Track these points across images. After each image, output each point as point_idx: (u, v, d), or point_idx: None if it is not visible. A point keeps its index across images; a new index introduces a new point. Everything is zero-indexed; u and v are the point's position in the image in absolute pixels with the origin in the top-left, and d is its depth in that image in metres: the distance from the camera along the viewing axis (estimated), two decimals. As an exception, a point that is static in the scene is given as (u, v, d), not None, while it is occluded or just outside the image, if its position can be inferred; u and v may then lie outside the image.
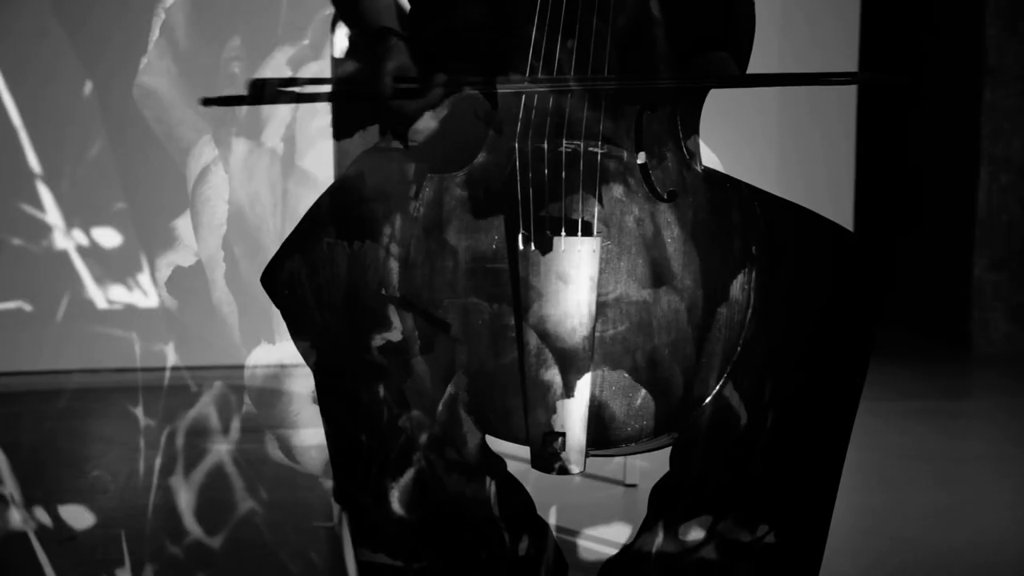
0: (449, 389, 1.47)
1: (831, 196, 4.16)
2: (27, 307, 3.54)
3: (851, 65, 4.19)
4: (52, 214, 3.53)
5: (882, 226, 4.78)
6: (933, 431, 3.17)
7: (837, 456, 1.54)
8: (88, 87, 3.53)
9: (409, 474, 1.49)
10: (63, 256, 3.53)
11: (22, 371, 3.57)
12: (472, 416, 1.49)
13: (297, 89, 1.47)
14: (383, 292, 1.46)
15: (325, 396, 1.51)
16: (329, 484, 2.21)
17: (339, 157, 2.26)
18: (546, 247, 1.43)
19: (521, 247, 1.44)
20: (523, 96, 1.49)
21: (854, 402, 1.53)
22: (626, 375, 1.46)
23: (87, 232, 3.55)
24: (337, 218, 1.51)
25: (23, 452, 2.71)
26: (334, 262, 1.47)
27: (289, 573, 2.05)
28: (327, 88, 1.52)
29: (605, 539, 2.22)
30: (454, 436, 1.50)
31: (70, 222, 3.54)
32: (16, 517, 2.20)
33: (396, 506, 1.49)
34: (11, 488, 2.33)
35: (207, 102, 1.44)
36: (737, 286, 1.46)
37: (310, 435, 2.85)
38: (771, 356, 1.47)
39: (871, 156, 4.62)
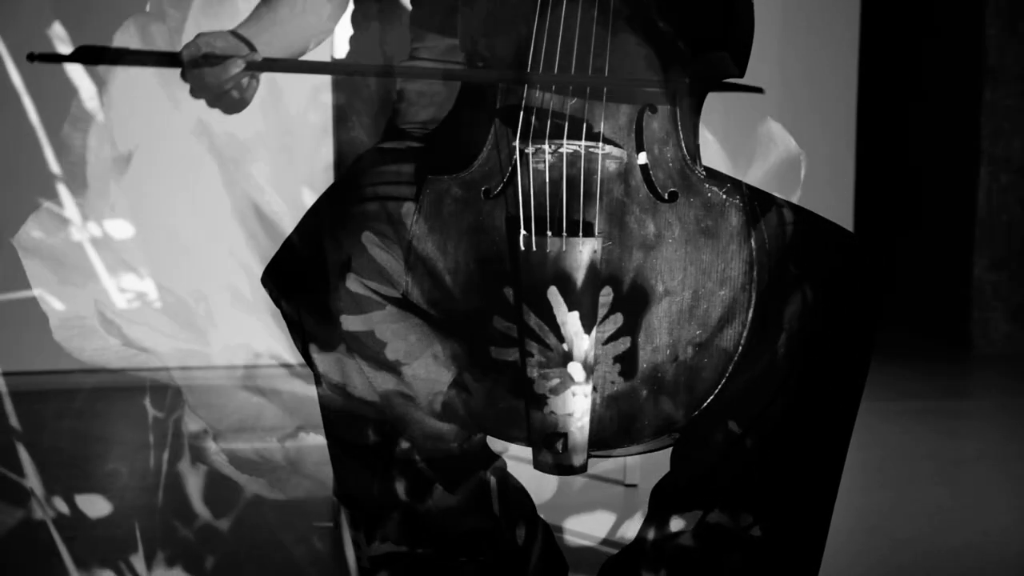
0: (450, 390, 1.48)
1: (831, 196, 4.16)
2: (57, 304, 3.56)
3: (851, 65, 4.19)
4: (70, 209, 3.56)
5: (882, 226, 4.78)
6: (933, 431, 3.17)
7: (838, 456, 1.54)
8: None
9: (413, 470, 1.50)
10: (78, 247, 3.57)
11: (40, 371, 3.60)
12: (473, 417, 1.49)
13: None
14: (383, 293, 1.46)
15: (326, 394, 1.51)
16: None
17: (339, 157, 2.26)
18: (547, 248, 1.43)
19: (522, 248, 1.44)
20: (523, 98, 1.49)
21: (855, 402, 1.53)
22: (627, 376, 1.46)
23: (100, 224, 3.58)
24: (337, 218, 1.51)
25: (44, 448, 2.75)
26: (334, 263, 1.47)
27: (292, 570, 2.06)
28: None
29: (604, 538, 2.22)
30: (455, 437, 1.50)
31: (86, 216, 3.57)
32: (37, 508, 2.29)
33: (402, 495, 1.50)
34: (33, 482, 2.38)
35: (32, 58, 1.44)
36: (738, 287, 1.46)
37: (305, 436, 2.87)
38: (772, 356, 1.47)
39: (871, 156, 4.62)
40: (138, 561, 2.03)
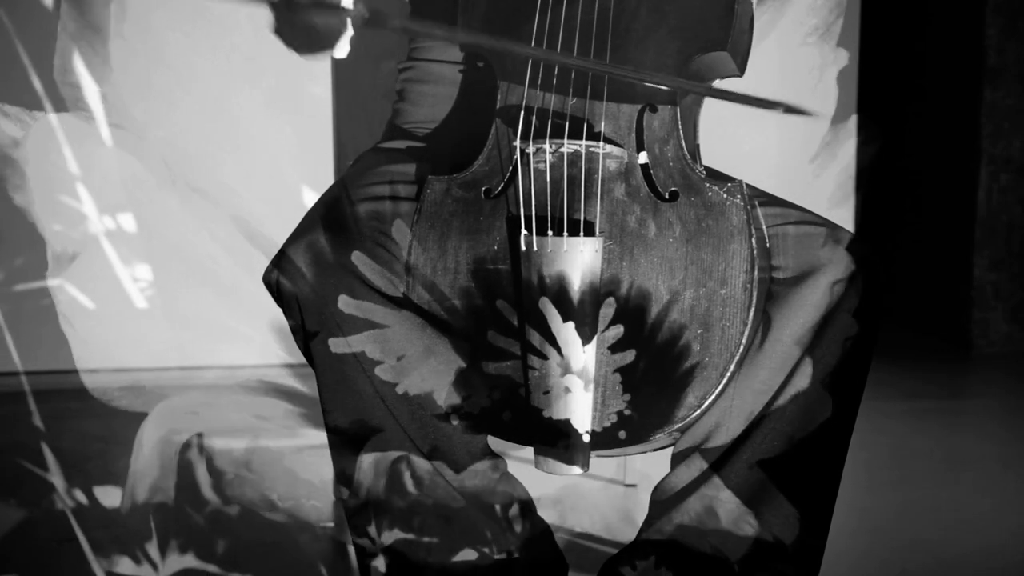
0: (450, 392, 1.48)
1: (831, 196, 4.16)
2: (89, 304, 3.58)
3: (851, 65, 4.19)
4: (87, 205, 3.57)
5: (882, 226, 4.78)
6: (934, 431, 3.17)
7: (839, 455, 1.54)
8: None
9: (414, 468, 1.50)
10: (94, 242, 3.58)
11: (58, 370, 3.61)
12: (473, 419, 1.49)
13: None
14: (385, 293, 1.46)
15: (327, 393, 1.51)
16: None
17: (339, 157, 2.26)
18: (548, 248, 1.43)
19: (523, 248, 1.45)
20: (524, 98, 1.49)
21: (856, 401, 1.53)
22: (628, 375, 1.46)
23: (114, 217, 3.60)
24: (338, 218, 1.51)
25: (63, 445, 2.79)
26: (335, 262, 1.47)
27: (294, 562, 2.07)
28: None
29: (605, 539, 2.22)
30: (456, 437, 1.50)
31: (102, 210, 3.59)
32: (57, 500, 2.38)
33: (410, 488, 1.50)
34: (55, 477, 2.48)
35: None
36: (739, 285, 1.46)
37: (305, 437, 2.88)
38: (773, 356, 1.47)
39: (871, 156, 4.61)
40: (152, 548, 2.07)
